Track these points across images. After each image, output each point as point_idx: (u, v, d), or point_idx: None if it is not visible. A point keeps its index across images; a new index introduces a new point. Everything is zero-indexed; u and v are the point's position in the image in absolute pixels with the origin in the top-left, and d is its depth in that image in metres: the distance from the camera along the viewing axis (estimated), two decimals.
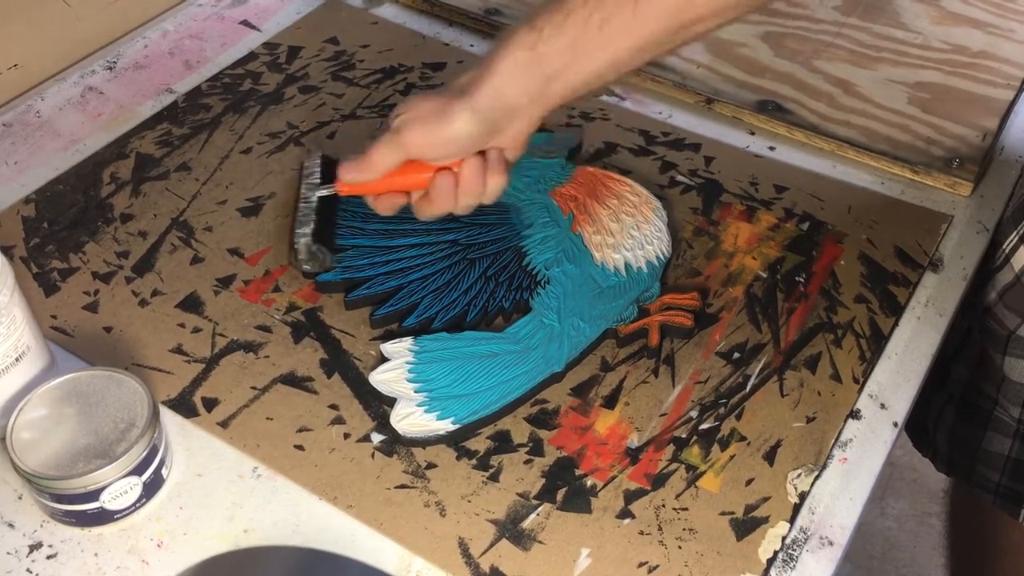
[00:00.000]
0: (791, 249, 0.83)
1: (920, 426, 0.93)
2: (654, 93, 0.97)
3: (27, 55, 0.97)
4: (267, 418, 0.70)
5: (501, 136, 0.69)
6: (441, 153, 0.69)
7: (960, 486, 1.00)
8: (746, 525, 0.65)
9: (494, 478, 0.67)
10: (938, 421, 0.92)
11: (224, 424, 0.70)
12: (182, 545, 0.64)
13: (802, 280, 0.80)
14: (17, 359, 0.66)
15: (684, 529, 0.65)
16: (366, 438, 0.70)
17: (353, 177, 0.71)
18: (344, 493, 0.66)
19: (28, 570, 0.63)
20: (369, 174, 0.71)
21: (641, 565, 0.63)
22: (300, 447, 0.69)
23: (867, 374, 0.74)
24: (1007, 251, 0.81)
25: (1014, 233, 0.80)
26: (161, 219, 0.84)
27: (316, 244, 0.74)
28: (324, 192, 0.75)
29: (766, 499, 0.66)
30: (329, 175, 0.75)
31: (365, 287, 0.77)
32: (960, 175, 0.87)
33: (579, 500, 0.66)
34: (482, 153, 0.70)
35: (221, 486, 0.67)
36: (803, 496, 0.67)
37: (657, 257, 0.80)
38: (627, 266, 0.79)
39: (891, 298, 0.79)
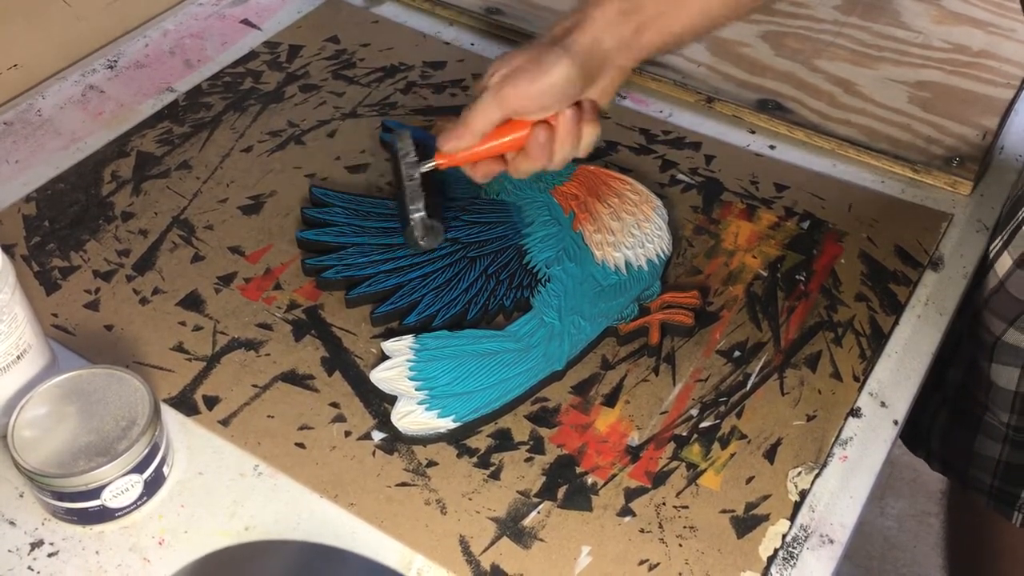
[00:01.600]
0: (791, 248, 0.83)
1: (914, 426, 0.93)
2: (655, 92, 0.97)
3: (28, 54, 0.97)
4: (268, 416, 0.70)
5: (594, 86, 0.69)
6: (541, 104, 0.69)
7: (957, 488, 1.00)
8: (747, 523, 0.65)
9: (495, 476, 0.67)
10: (932, 422, 0.92)
11: (225, 422, 0.70)
12: (183, 543, 0.64)
13: (802, 279, 0.80)
14: (18, 357, 0.66)
15: (685, 527, 0.65)
16: (367, 436, 0.70)
17: (454, 145, 0.70)
18: (345, 491, 0.66)
19: (29, 568, 0.63)
20: (470, 138, 0.70)
21: (642, 563, 0.63)
22: (301, 445, 0.69)
23: (867, 372, 0.74)
24: (992, 255, 0.80)
25: (999, 238, 0.80)
26: (162, 217, 0.85)
27: (431, 220, 0.73)
28: (426, 167, 0.74)
29: (766, 497, 0.67)
30: (422, 151, 0.75)
31: (366, 285, 0.77)
32: (960, 174, 0.87)
33: (580, 498, 0.66)
34: (575, 104, 0.70)
35: (222, 484, 0.67)
36: (803, 494, 0.67)
37: (658, 255, 0.80)
38: (628, 264, 0.79)
39: (891, 296, 0.79)
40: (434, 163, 0.73)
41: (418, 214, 0.73)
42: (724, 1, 0.69)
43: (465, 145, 0.71)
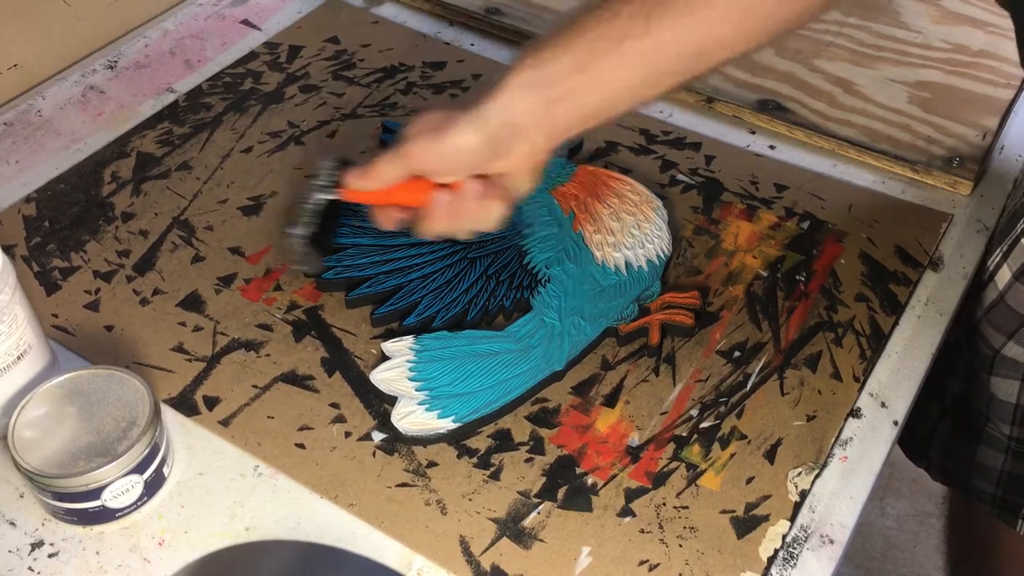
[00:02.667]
0: (791, 248, 0.83)
1: (913, 436, 0.93)
2: None
3: (28, 55, 0.97)
4: (268, 416, 0.71)
5: (505, 159, 0.67)
6: (443, 166, 0.67)
7: (958, 495, 1.00)
8: (747, 523, 0.65)
9: (495, 476, 0.67)
10: (933, 433, 0.92)
11: (225, 423, 0.70)
12: (183, 543, 0.64)
13: (802, 279, 0.80)
14: (19, 358, 0.66)
15: (685, 527, 0.65)
16: (367, 436, 0.70)
17: (356, 184, 0.70)
18: (345, 491, 0.66)
19: (30, 568, 0.63)
20: (372, 183, 0.70)
21: (642, 563, 0.63)
22: (301, 445, 0.69)
23: (867, 373, 0.74)
24: (991, 268, 0.80)
25: (998, 250, 0.80)
26: (162, 218, 0.85)
27: (310, 247, 0.74)
28: (327, 196, 0.74)
29: (767, 497, 0.67)
30: (340, 180, 0.75)
31: (366, 286, 0.77)
32: (960, 174, 0.87)
33: (580, 498, 0.66)
34: (485, 177, 0.68)
35: (222, 484, 0.67)
36: (803, 494, 0.67)
37: (658, 256, 0.80)
38: (628, 265, 0.79)
39: (891, 297, 0.79)
40: (338, 194, 0.72)
41: (296, 239, 0.73)
42: (644, 78, 0.65)
43: (367, 187, 0.70)
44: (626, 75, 0.65)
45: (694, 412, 0.71)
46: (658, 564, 0.63)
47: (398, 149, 0.68)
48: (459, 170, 0.67)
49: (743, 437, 0.70)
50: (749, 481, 0.67)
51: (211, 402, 0.71)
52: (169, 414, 0.70)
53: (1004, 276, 0.78)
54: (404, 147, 0.67)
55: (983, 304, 0.81)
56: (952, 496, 1.13)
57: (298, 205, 0.75)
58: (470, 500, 0.66)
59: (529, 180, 0.69)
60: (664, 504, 0.66)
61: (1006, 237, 0.79)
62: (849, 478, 0.68)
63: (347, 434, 0.70)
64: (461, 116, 0.65)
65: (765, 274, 0.81)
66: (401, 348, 0.73)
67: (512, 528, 0.65)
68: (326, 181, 0.74)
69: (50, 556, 0.63)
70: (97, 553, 0.63)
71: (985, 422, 0.85)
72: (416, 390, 0.71)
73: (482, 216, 0.69)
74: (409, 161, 0.68)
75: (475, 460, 0.68)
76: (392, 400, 0.71)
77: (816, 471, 0.68)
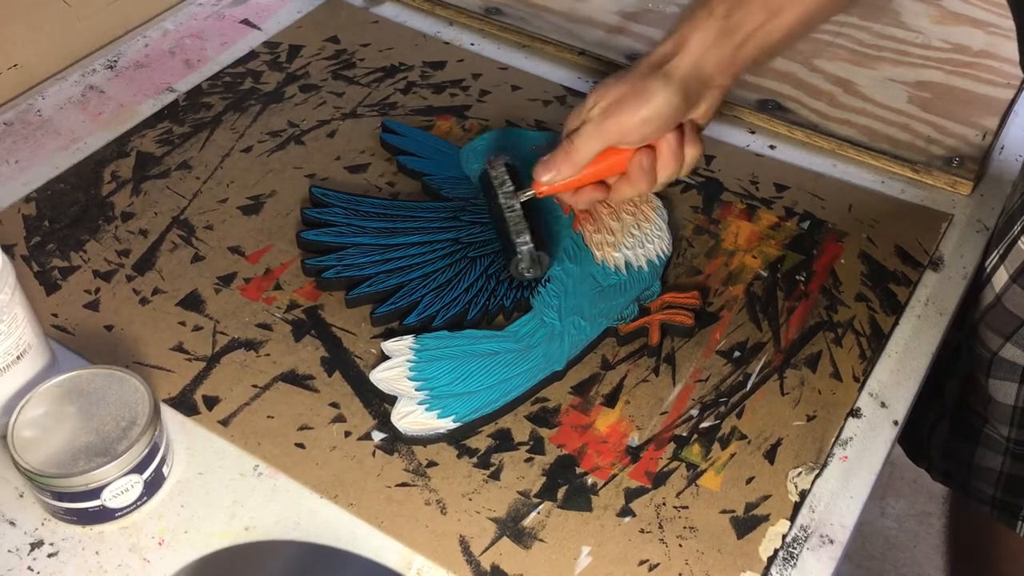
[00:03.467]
0: (791, 248, 0.83)
1: (915, 438, 0.93)
2: None
3: (28, 54, 0.97)
4: (268, 416, 0.70)
5: (698, 108, 0.71)
6: (644, 133, 0.69)
7: (958, 495, 1.00)
8: (747, 523, 0.65)
9: (495, 476, 0.67)
10: (932, 434, 0.92)
11: (225, 422, 0.70)
12: (183, 543, 0.64)
13: (802, 279, 0.80)
14: (18, 357, 0.66)
15: (685, 527, 0.65)
16: (367, 436, 0.70)
17: (553, 176, 0.71)
18: (345, 491, 0.66)
19: (29, 568, 0.63)
20: (570, 170, 0.71)
21: (642, 563, 0.63)
22: (301, 445, 0.69)
23: (867, 373, 0.74)
24: (989, 270, 0.80)
25: (995, 252, 0.80)
26: (162, 217, 0.85)
27: (538, 251, 0.74)
28: (525, 197, 0.74)
29: (767, 497, 0.67)
30: (516, 180, 0.76)
31: (366, 285, 0.77)
32: (960, 174, 0.87)
33: (580, 498, 0.66)
34: (677, 127, 0.70)
35: (222, 484, 0.67)
36: (803, 494, 0.67)
37: (658, 256, 0.80)
38: (627, 265, 0.79)
39: (891, 297, 0.79)
40: (532, 192, 0.74)
41: (525, 246, 0.74)
42: (820, 4, 0.69)
43: (564, 177, 0.71)
44: (801, 11, 0.69)
45: (694, 412, 0.71)
46: (658, 564, 0.63)
47: (593, 127, 0.69)
48: (659, 131, 0.70)
49: (743, 437, 0.70)
50: (749, 481, 0.67)
51: (211, 402, 0.71)
52: (169, 414, 0.70)
53: (1001, 278, 0.78)
54: (599, 124, 0.69)
55: (981, 306, 0.81)
56: (952, 497, 1.13)
57: (506, 216, 0.74)
58: (470, 500, 0.66)
59: (712, 116, 0.73)
60: (664, 504, 0.66)
61: (1003, 239, 0.79)
62: (849, 478, 0.68)
63: (347, 434, 0.70)
64: (652, 80, 0.68)
65: (765, 274, 0.81)
66: (401, 348, 0.73)
67: (512, 528, 0.65)
68: (511, 185, 0.75)
69: (50, 556, 0.63)
70: (97, 553, 0.63)
71: (983, 424, 0.85)
72: (416, 390, 0.71)
73: (682, 164, 0.71)
74: (607, 136, 0.69)
75: (475, 460, 0.68)
76: (392, 400, 0.71)
77: (816, 471, 0.68)
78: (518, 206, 0.75)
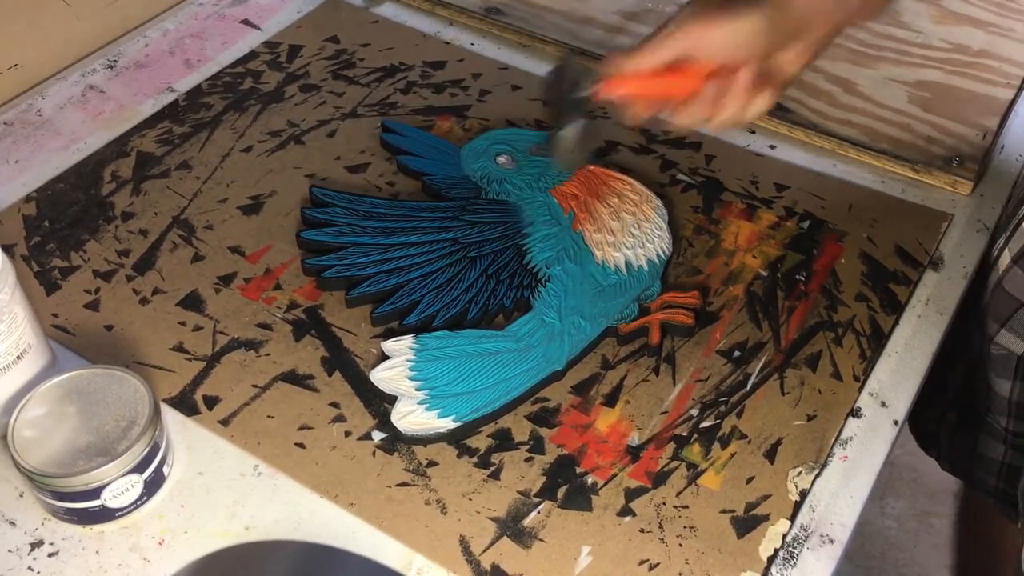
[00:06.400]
0: (792, 247, 0.83)
1: (925, 427, 0.93)
2: None
3: (28, 54, 0.97)
4: (268, 416, 0.70)
5: (789, 49, 0.65)
6: (726, 49, 0.64)
7: (968, 489, 1.01)
8: (747, 523, 0.65)
9: (495, 476, 0.67)
10: (940, 423, 0.92)
11: (225, 422, 0.70)
12: (183, 543, 0.64)
13: (802, 278, 0.80)
14: (18, 357, 0.66)
15: (685, 527, 0.65)
16: (367, 436, 0.70)
17: (620, 63, 0.66)
18: (345, 491, 0.66)
19: (29, 568, 0.63)
20: (638, 62, 0.66)
21: (642, 563, 0.63)
22: (301, 445, 0.69)
23: (867, 372, 0.74)
24: (995, 255, 0.80)
25: (1001, 237, 0.80)
26: (162, 217, 0.85)
27: (587, 133, 0.70)
28: (586, 92, 0.69)
29: (767, 497, 0.67)
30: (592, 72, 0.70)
31: (366, 285, 0.77)
32: (960, 174, 0.87)
33: (580, 498, 0.66)
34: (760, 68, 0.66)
35: (222, 484, 0.67)
36: (804, 494, 0.67)
37: (658, 255, 0.80)
38: (628, 264, 0.79)
39: (891, 296, 0.79)
40: (596, 87, 0.68)
41: (577, 123, 0.69)
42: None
43: (633, 66, 0.66)
44: None
45: (694, 412, 0.71)
46: (658, 564, 0.63)
47: (673, 26, 0.65)
48: (739, 53, 0.65)
49: (743, 437, 0.70)
50: (749, 481, 0.67)
51: (211, 401, 0.71)
52: (169, 413, 0.70)
53: (1005, 260, 0.78)
54: (681, 23, 0.65)
55: (987, 291, 0.81)
56: (964, 494, 1.13)
57: (565, 100, 0.70)
58: (470, 500, 0.66)
59: (800, 71, 0.68)
60: (664, 504, 0.66)
61: (1011, 221, 0.79)
62: (849, 478, 0.68)
63: (347, 434, 0.70)
64: (744, 2, 0.64)
65: (765, 274, 0.81)
66: (401, 347, 0.73)
67: (512, 527, 0.65)
68: (582, 73, 0.69)
69: (50, 555, 0.63)
70: (97, 553, 0.63)
71: (985, 412, 0.85)
72: (416, 389, 0.71)
73: (750, 107, 0.67)
74: (686, 41, 0.65)
75: (475, 460, 0.68)
76: (392, 399, 0.71)
77: (816, 471, 0.68)
78: (584, 94, 0.69)
